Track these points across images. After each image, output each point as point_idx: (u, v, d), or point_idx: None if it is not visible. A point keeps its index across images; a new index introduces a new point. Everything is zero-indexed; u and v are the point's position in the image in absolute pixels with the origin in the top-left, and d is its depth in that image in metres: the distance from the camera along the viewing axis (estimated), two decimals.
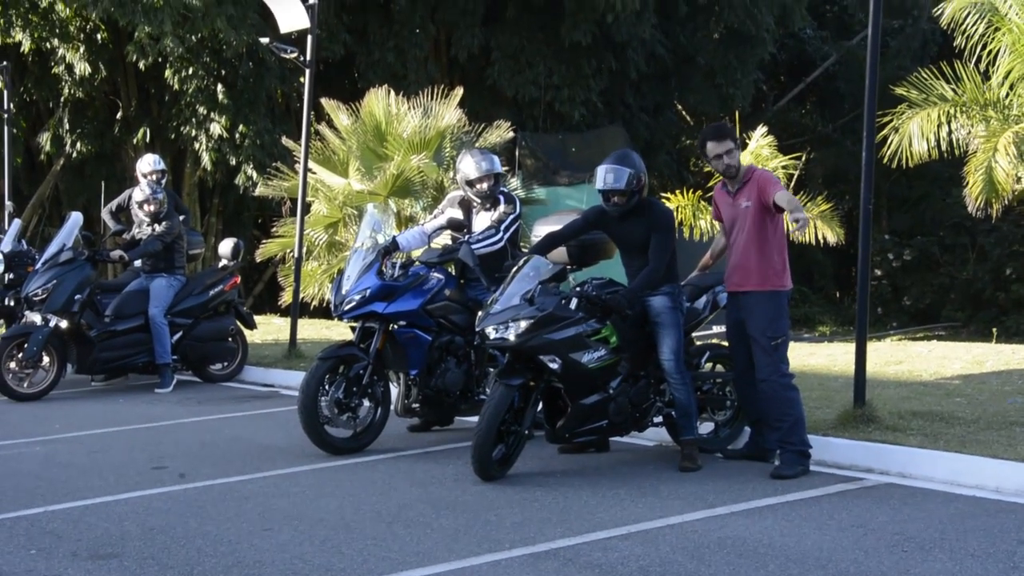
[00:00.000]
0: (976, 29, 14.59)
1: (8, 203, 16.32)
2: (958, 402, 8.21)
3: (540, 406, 6.94)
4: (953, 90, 14.62)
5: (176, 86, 19.14)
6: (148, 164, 11.87)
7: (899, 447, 6.78)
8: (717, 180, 7.54)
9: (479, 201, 8.12)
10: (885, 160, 14.68)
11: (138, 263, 11.29)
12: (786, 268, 6.91)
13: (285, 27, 12.58)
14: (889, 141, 14.71)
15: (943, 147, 14.64)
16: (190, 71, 18.97)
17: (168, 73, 19.03)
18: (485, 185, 8.04)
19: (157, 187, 11.26)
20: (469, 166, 8.07)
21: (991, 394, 8.58)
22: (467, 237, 7.97)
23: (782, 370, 6.81)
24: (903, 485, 6.40)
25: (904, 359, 10.82)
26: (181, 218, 11.53)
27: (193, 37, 18.16)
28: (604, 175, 6.92)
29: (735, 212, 6.91)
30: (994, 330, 20.22)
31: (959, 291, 26.04)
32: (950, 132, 14.59)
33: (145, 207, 11.03)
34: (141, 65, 18.91)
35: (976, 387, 8.97)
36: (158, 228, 10.94)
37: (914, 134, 14.57)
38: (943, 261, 26.69)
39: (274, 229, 16.43)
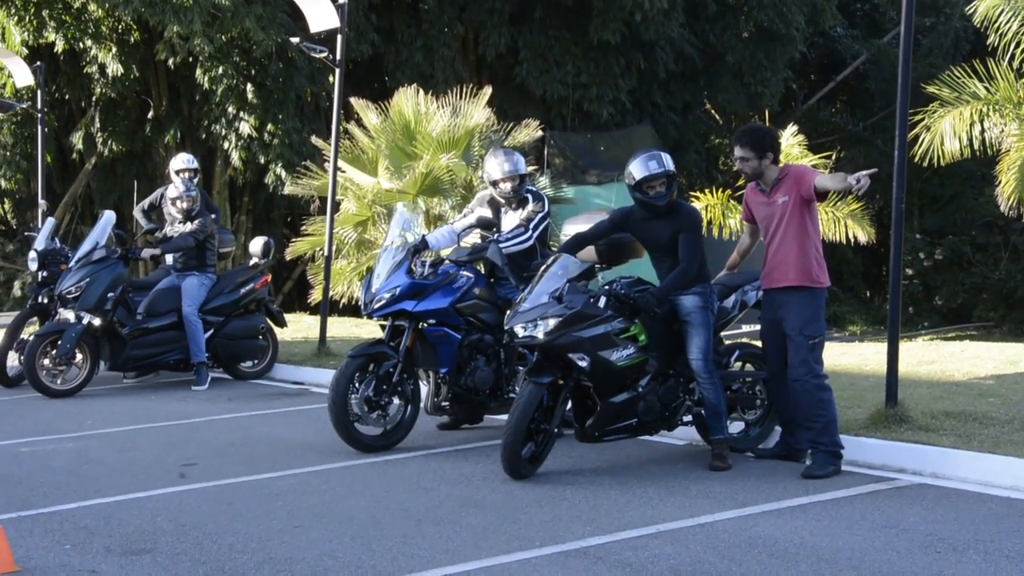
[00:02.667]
0: (1010, 27, 14.45)
1: (42, 202, 16.48)
2: (992, 402, 8.14)
3: (569, 404, 6.93)
4: (986, 88, 14.48)
5: (206, 85, 19.25)
6: (181, 162, 11.96)
7: (932, 447, 6.72)
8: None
9: (505, 200, 8.13)
10: (916, 159, 14.56)
11: (169, 260, 11.39)
12: (823, 265, 6.88)
13: (315, 27, 12.63)
14: (921, 140, 14.59)
15: (975, 146, 14.50)
16: (220, 71, 19.08)
17: (198, 73, 19.15)
18: (508, 186, 8.04)
19: (190, 184, 11.35)
20: (493, 167, 8.09)
21: None
22: (496, 236, 7.97)
23: (816, 370, 6.76)
24: (936, 486, 6.35)
25: (936, 359, 10.73)
26: (212, 217, 11.60)
27: (223, 37, 18.26)
28: (646, 163, 6.89)
29: (771, 210, 6.87)
30: None
31: (991, 291, 25.82)
32: (982, 131, 14.45)
33: (178, 203, 11.11)
34: (171, 64, 19.04)
35: (1010, 387, 8.88)
36: (191, 225, 11.01)
37: (946, 133, 14.44)
38: (975, 260, 26.47)
39: (304, 227, 16.50)
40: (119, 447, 8.09)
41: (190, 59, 18.95)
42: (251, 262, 11.88)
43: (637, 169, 6.91)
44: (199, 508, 6.17)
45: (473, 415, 8.17)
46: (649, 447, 7.55)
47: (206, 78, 19.12)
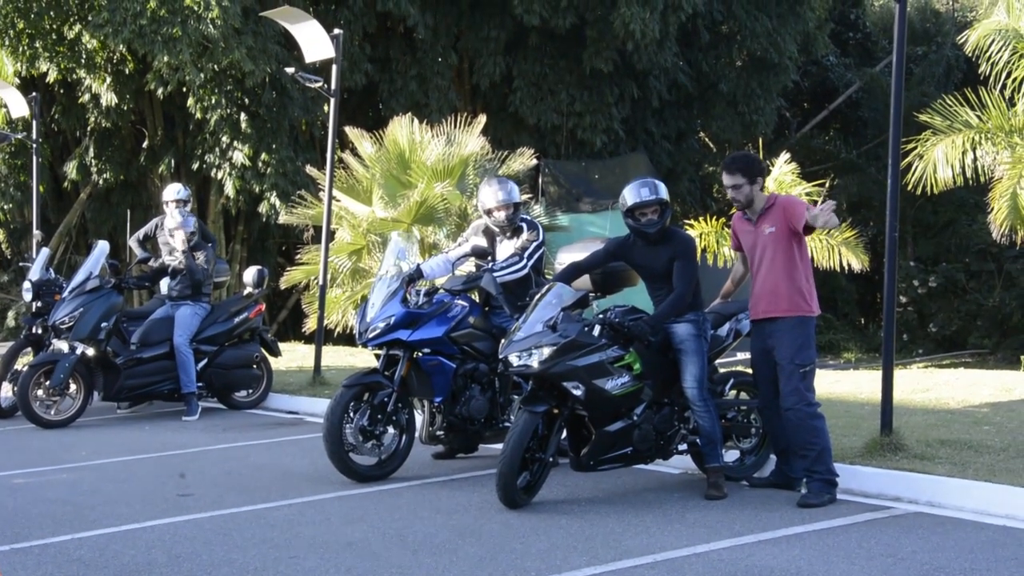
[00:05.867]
0: (1001, 56, 14.59)
1: (36, 232, 16.48)
2: (987, 430, 8.14)
3: (564, 433, 6.92)
4: (978, 117, 14.58)
5: (199, 115, 19.29)
6: (172, 192, 11.98)
7: (927, 476, 6.72)
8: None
9: (500, 229, 8.15)
10: (910, 187, 14.63)
11: (164, 290, 11.38)
12: (813, 293, 6.89)
13: (310, 57, 12.69)
14: (913, 168, 14.67)
15: (968, 174, 14.59)
16: (212, 100, 19.11)
17: (190, 102, 19.18)
18: (502, 215, 8.06)
19: (187, 215, 11.37)
20: (487, 195, 8.12)
21: (1020, 422, 8.50)
22: (491, 265, 7.98)
23: (808, 398, 6.76)
24: (932, 514, 6.34)
25: (931, 387, 10.74)
26: (209, 246, 11.62)
27: (214, 67, 18.32)
28: (638, 189, 6.94)
29: (757, 239, 6.89)
30: (1022, 357, 20.07)
31: (986, 318, 25.85)
32: (975, 159, 14.54)
33: (177, 234, 11.10)
34: (159, 93, 19.08)
35: (1005, 415, 8.89)
36: (199, 257, 11.00)
37: (939, 161, 14.53)
38: (969, 288, 26.52)
39: (298, 256, 16.51)
40: (114, 478, 8.06)
41: (183, 89, 19.00)
42: (245, 291, 11.88)
43: (630, 195, 6.96)
44: (194, 539, 6.14)
45: (468, 444, 8.15)
46: (644, 476, 7.54)
47: (198, 107, 19.14)
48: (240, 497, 7.20)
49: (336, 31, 12.53)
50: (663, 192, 6.98)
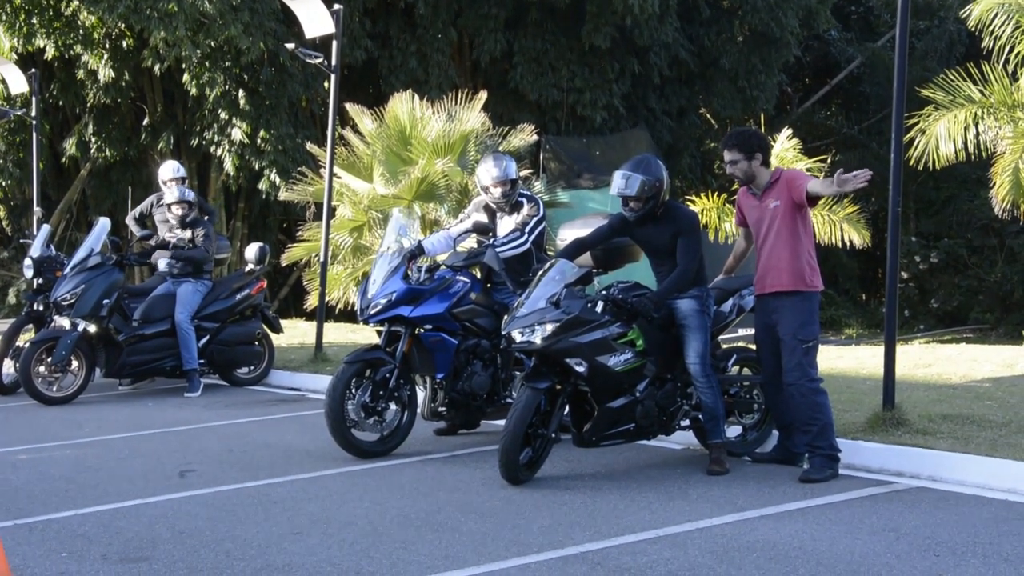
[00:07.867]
0: (1004, 31, 14.52)
1: (37, 208, 16.46)
2: (989, 405, 8.15)
3: (567, 409, 6.92)
4: (980, 92, 14.52)
5: (195, 91, 19.21)
6: (170, 171, 11.98)
7: (930, 450, 6.72)
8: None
9: (497, 206, 8.13)
10: (912, 162, 14.59)
11: (164, 267, 11.38)
12: (816, 268, 6.88)
13: (310, 32, 12.64)
14: (916, 143, 14.62)
15: (970, 149, 14.56)
16: (207, 77, 19.02)
17: (186, 78, 19.09)
18: (499, 191, 8.04)
19: (186, 189, 11.37)
20: (483, 172, 8.11)
21: (1022, 397, 8.50)
22: (492, 240, 7.97)
23: (811, 374, 6.76)
24: (934, 489, 6.35)
25: (933, 362, 10.74)
26: (205, 218, 11.62)
27: (211, 43, 18.23)
28: (617, 180, 6.95)
29: (762, 213, 6.87)
30: None
31: (987, 293, 25.83)
32: (977, 134, 14.51)
33: (175, 208, 11.09)
34: (156, 70, 19.00)
35: (1007, 390, 8.89)
36: (198, 233, 10.99)
37: (941, 136, 14.49)
38: (971, 263, 26.48)
39: (299, 233, 16.50)
40: (116, 454, 8.07)
41: (181, 66, 18.93)
42: (246, 268, 11.87)
43: (613, 182, 6.98)
44: (197, 515, 6.15)
45: (470, 420, 8.16)
46: (647, 452, 7.55)
47: (195, 84, 19.06)
48: (242, 473, 7.21)
49: (336, 6, 12.46)
50: (635, 188, 6.84)
